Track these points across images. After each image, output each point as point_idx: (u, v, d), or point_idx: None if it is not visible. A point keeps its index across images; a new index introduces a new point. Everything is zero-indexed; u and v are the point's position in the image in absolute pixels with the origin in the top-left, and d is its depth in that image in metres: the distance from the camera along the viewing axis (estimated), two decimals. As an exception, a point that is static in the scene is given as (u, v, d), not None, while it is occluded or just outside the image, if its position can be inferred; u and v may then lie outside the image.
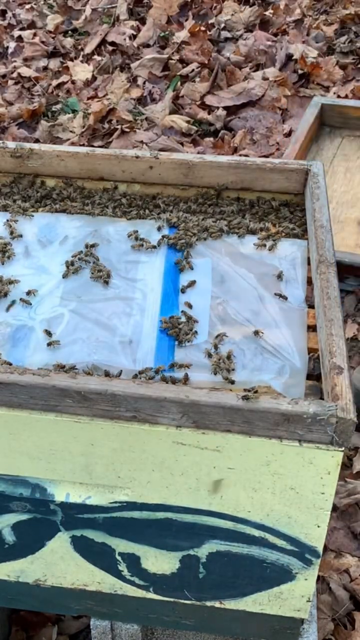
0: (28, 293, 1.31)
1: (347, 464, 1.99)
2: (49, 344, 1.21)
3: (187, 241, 1.42)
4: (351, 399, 1.02)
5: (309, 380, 1.17)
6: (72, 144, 3.26)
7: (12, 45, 3.97)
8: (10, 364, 1.17)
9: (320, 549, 1.16)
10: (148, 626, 1.48)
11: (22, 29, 4.12)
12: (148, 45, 3.86)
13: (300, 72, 3.53)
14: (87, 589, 1.30)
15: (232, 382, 1.14)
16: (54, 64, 3.86)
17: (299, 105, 3.36)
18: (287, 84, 3.44)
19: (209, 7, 4.03)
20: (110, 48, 3.86)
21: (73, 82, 3.70)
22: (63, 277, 1.35)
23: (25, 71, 3.77)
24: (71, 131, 3.36)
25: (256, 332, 1.23)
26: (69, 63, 3.82)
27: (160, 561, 1.23)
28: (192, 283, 1.34)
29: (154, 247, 1.41)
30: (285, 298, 1.29)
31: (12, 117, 3.48)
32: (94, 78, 3.72)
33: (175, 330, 1.24)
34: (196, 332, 1.24)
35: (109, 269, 1.36)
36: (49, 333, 1.23)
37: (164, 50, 3.78)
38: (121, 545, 1.22)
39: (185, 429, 1.05)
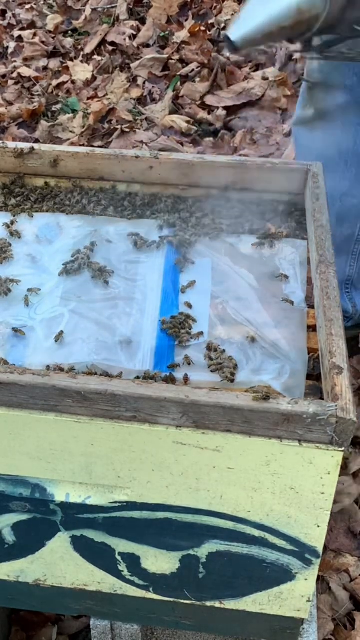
0: (29, 291, 1.32)
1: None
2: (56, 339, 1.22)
3: (187, 241, 1.42)
4: (351, 399, 1.02)
5: (309, 380, 1.17)
6: (72, 144, 3.26)
7: (12, 45, 3.97)
8: (8, 364, 1.17)
9: (320, 549, 1.16)
10: (148, 626, 1.48)
11: (22, 29, 4.11)
12: (148, 45, 3.86)
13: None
14: (87, 589, 1.30)
15: (232, 381, 1.14)
16: (54, 64, 3.86)
17: (299, 105, 3.36)
18: (287, 84, 3.44)
19: (209, 7, 4.03)
20: (110, 48, 3.86)
21: (73, 82, 3.70)
22: (58, 275, 1.35)
23: (25, 71, 3.76)
24: (71, 131, 3.36)
25: (253, 339, 1.22)
26: (69, 63, 3.82)
27: (160, 561, 1.23)
28: (192, 283, 1.34)
29: (155, 245, 1.41)
30: (292, 303, 1.29)
31: (12, 117, 3.48)
32: (94, 78, 3.72)
33: (175, 330, 1.24)
34: (196, 332, 1.24)
35: (104, 264, 1.36)
36: (60, 334, 1.23)
37: (164, 50, 3.78)
38: (121, 545, 1.22)
39: (185, 429, 1.05)
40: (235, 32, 1.22)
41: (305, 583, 1.20)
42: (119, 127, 3.29)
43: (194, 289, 1.33)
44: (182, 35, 3.78)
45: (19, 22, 4.19)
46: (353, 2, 1.21)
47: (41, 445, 1.12)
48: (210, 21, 3.91)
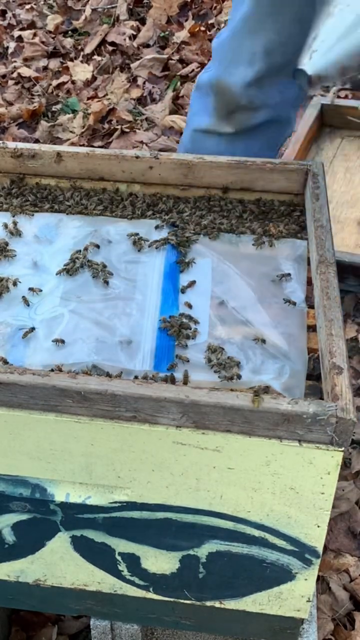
0: (30, 291, 1.31)
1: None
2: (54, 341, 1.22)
3: (187, 241, 1.42)
4: (351, 399, 1.02)
5: (309, 380, 1.17)
6: (72, 144, 3.26)
7: (12, 45, 3.97)
8: (8, 363, 1.17)
9: (320, 549, 1.16)
10: (148, 626, 1.48)
11: (22, 29, 4.11)
12: (148, 45, 3.86)
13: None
14: (87, 589, 1.30)
15: (231, 379, 1.14)
16: (54, 64, 3.86)
17: (299, 106, 3.36)
18: (287, 84, 3.43)
19: (209, 7, 4.03)
20: (110, 48, 3.86)
21: (73, 82, 3.70)
22: (56, 274, 1.35)
23: (25, 71, 3.76)
24: (71, 131, 3.36)
25: (264, 341, 1.22)
26: (69, 63, 3.82)
27: (160, 561, 1.23)
28: (192, 283, 1.34)
29: (155, 245, 1.41)
30: (294, 303, 1.29)
31: (12, 117, 3.48)
32: (94, 78, 3.72)
33: (175, 330, 1.24)
34: (196, 331, 1.24)
35: (102, 261, 1.36)
36: (61, 341, 1.23)
37: (164, 50, 3.78)
38: (121, 545, 1.22)
39: (185, 429, 1.06)
40: (311, 66, 1.21)
41: (305, 583, 1.20)
42: (119, 127, 3.29)
43: (194, 289, 1.33)
44: (182, 35, 3.78)
45: (19, 22, 4.18)
46: None
47: (41, 445, 1.12)
48: (210, 21, 3.91)
